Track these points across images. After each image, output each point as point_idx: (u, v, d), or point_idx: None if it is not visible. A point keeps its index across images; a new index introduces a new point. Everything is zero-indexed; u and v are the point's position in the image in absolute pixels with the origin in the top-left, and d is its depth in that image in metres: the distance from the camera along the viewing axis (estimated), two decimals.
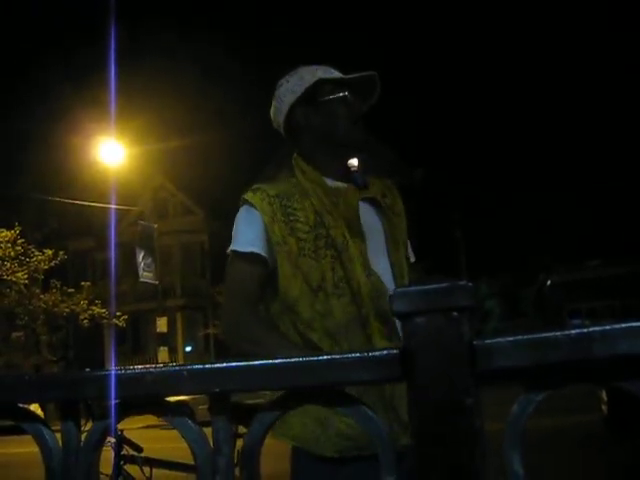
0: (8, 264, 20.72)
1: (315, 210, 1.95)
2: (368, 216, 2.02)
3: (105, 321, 23.15)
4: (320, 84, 2.04)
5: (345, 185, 2.02)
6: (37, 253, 21.43)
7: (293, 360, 0.89)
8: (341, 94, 2.05)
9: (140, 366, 0.94)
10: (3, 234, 20.68)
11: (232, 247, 1.97)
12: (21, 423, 0.98)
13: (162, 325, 22.26)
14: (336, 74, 2.09)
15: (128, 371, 0.92)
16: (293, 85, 2.07)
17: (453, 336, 0.81)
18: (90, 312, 22.30)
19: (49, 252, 21.58)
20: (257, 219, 1.94)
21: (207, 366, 0.89)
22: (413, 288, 0.84)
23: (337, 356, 0.88)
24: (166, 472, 3.91)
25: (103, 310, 22.48)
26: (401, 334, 1.71)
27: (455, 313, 0.82)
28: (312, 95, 2.05)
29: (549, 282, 10.79)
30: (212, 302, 25.21)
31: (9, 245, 20.74)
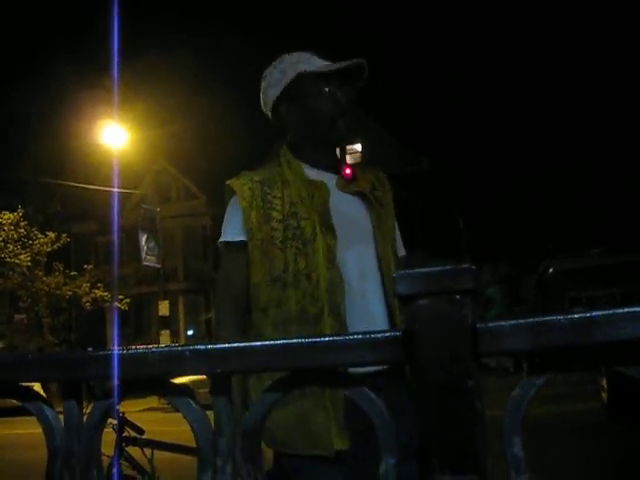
0: (11, 246, 20.79)
1: (291, 201, 1.96)
2: (351, 209, 2.03)
3: (107, 304, 23.23)
4: (302, 78, 2.03)
5: (327, 177, 2.03)
6: (40, 236, 21.47)
7: (295, 341, 0.89)
8: (324, 89, 2.04)
9: (142, 346, 0.95)
10: (6, 217, 20.73)
11: (220, 239, 2.04)
12: (23, 402, 0.98)
13: (164, 308, 22.28)
14: (319, 64, 2.07)
15: (130, 351, 0.92)
16: (275, 79, 2.08)
17: (456, 319, 0.81)
18: (92, 295, 22.37)
19: (52, 235, 21.63)
20: (238, 205, 1.99)
21: (209, 347, 0.89)
22: (416, 270, 0.84)
23: (339, 338, 0.88)
24: (167, 454, 3.93)
25: (105, 293, 22.55)
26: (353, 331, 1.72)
27: (458, 296, 0.82)
28: (294, 89, 2.05)
29: (551, 270, 10.78)
30: (214, 286, 25.19)
31: (12, 227, 20.78)
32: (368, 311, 1.92)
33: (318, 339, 0.88)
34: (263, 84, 2.13)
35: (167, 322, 22.95)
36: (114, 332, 26.67)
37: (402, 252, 2.17)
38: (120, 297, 22.30)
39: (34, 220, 21.74)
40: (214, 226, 26.52)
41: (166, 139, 23.84)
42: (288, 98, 2.06)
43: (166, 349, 0.91)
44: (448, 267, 0.82)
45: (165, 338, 21.90)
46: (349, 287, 1.91)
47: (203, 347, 0.88)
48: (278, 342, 0.89)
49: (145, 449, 3.79)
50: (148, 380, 0.94)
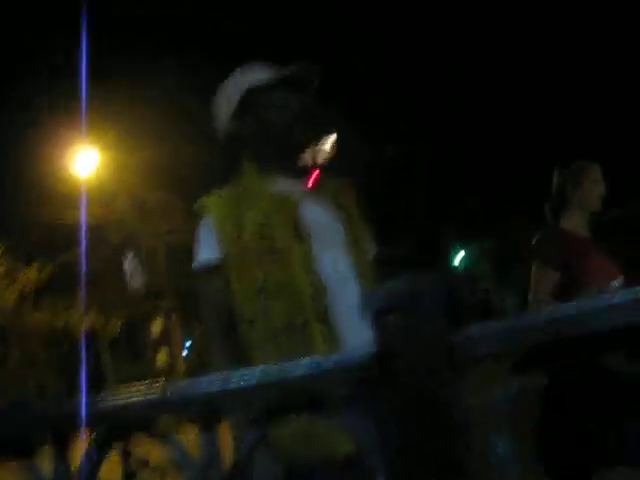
0: None
1: (262, 213, 1.97)
2: (320, 216, 2.04)
3: (100, 330, 23.05)
4: (251, 93, 2.04)
5: (293, 187, 2.04)
6: (25, 269, 21.26)
7: (270, 379, 0.89)
8: (273, 99, 2.05)
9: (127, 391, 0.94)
10: None
11: (195, 261, 2.04)
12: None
13: (157, 328, 22.20)
14: (267, 74, 2.07)
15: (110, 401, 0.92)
16: (225, 100, 2.10)
17: (428, 331, 0.82)
18: (85, 322, 22.19)
19: (35, 266, 21.41)
20: (210, 223, 2.00)
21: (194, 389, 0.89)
22: (384, 286, 0.84)
23: (313, 371, 0.88)
24: None
25: (97, 319, 22.37)
26: (342, 334, 1.72)
27: (428, 307, 0.82)
28: (246, 103, 2.05)
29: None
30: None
31: None
32: (351, 313, 1.93)
33: (292, 373, 0.88)
34: (214, 105, 2.14)
35: (162, 341, 22.86)
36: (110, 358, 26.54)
37: (373, 251, 2.18)
38: (111, 321, 22.15)
39: (16, 254, 21.51)
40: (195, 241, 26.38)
41: (139, 161, 23.67)
42: (241, 112, 2.07)
43: (147, 399, 0.91)
44: (415, 279, 0.83)
45: (162, 357, 21.80)
46: (330, 291, 1.92)
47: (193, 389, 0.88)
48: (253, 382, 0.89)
49: None
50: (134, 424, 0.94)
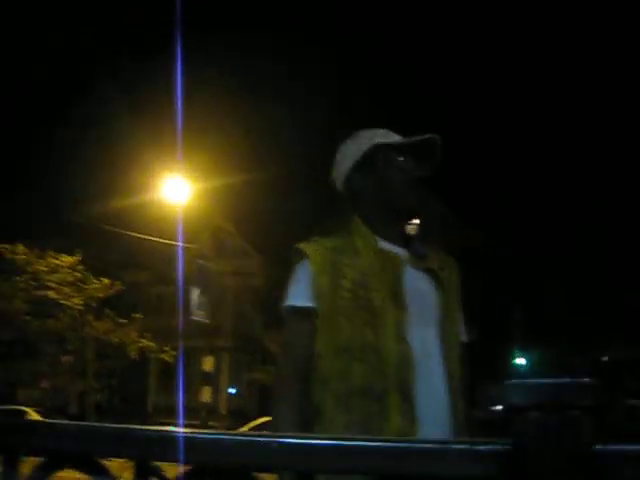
0: (66, 289, 21.10)
1: (362, 271, 1.91)
2: (421, 285, 1.96)
3: (153, 354, 23.29)
4: (377, 150, 2.04)
5: (399, 251, 1.98)
6: (95, 281, 21.78)
7: (387, 445, 0.82)
8: (397, 160, 2.04)
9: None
10: (65, 259, 21.11)
11: (285, 302, 1.95)
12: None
13: (208, 364, 22.27)
14: (395, 138, 2.08)
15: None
16: (351, 150, 2.09)
17: (571, 438, 0.74)
18: (139, 344, 22.47)
19: (106, 281, 21.91)
20: (308, 269, 1.92)
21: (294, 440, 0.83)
22: (530, 380, 0.77)
23: (437, 445, 0.81)
24: None
25: (151, 343, 22.64)
26: (420, 413, 1.64)
27: (575, 412, 0.75)
28: (369, 161, 2.05)
29: (606, 358, 10.48)
30: (261, 346, 25.18)
31: (69, 271, 21.14)
32: (432, 391, 1.85)
33: (413, 444, 0.82)
34: (337, 156, 2.14)
35: (210, 378, 22.88)
36: (156, 383, 26.70)
37: (465, 338, 2.10)
38: (166, 349, 22.35)
39: (91, 265, 22.07)
40: (267, 287, 26.62)
41: (226, 195, 24.20)
42: (363, 168, 2.06)
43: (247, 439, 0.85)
44: (566, 380, 0.76)
45: (207, 394, 21.81)
46: (416, 364, 1.84)
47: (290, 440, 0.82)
48: (368, 443, 0.82)
49: None
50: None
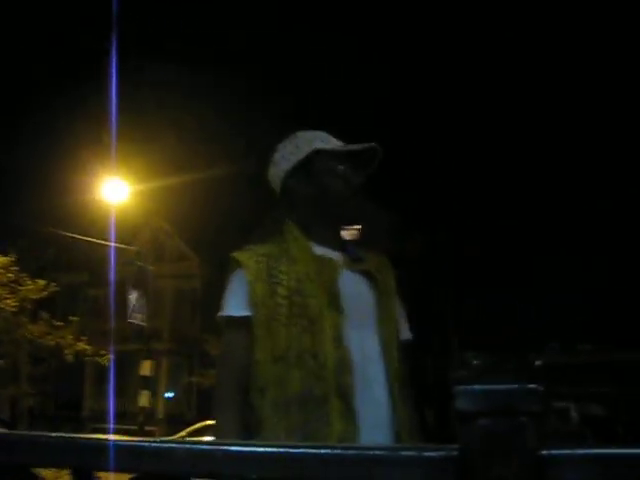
0: None
1: (297, 277, 1.90)
2: (358, 288, 1.96)
3: (88, 358, 22.85)
4: (316, 155, 2.03)
5: (335, 255, 1.98)
6: (29, 282, 21.25)
7: (330, 452, 0.81)
8: (338, 167, 2.03)
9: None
10: None
11: (221, 313, 1.94)
12: None
13: (146, 368, 21.95)
14: (333, 143, 2.08)
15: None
16: (289, 153, 2.07)
17: (519, 443, 0.74)
18: (75, 347, 22.02)
19: (41, 283, 21.41)
20: (243, 278, 1.91)
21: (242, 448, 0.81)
22: (478, 387, 0.77)
23: (387, 452, 0.80)
24: None
25: (88, 347, 22.20)
26: (360, 418, 1.63)
27: (523, 418, 0.75)
28: (307, 165, 2.03)
29: (539, 363, 10.68)
30: (199, 349, 24.94)
31: (1, 271, 20.57)
32: (372, 395, 1.85)
33: (359, 450, 0.81)
34: (275, 156, 2.11)
35: (147, 382, 22.56)
36: (92, 387, 26.22)
37: (407, 335, 2.11)
38: (102, 352, 21.96)
39: (25, 267, 21.54)
40: (204, 289, 26.41)
41: (165, 196, 23.95)
42: (301, 173, 2.04)
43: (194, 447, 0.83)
44: (515, 385, 0.76)
45: (144, 399, 21.50)
46: (354, 368, 1.83)
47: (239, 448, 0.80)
48: (313, 450, 0.81)
49: None
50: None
